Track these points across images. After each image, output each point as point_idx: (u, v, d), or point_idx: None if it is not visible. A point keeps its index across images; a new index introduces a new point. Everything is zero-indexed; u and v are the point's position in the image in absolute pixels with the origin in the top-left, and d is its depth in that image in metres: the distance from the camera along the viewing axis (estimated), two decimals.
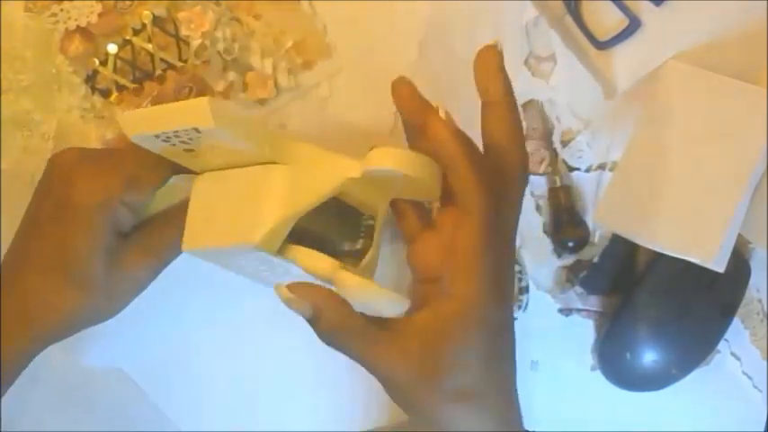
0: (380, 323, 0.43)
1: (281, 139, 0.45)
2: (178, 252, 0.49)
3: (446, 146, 0.43)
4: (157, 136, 0.44)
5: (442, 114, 0.44)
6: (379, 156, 0.44)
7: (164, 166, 0.48)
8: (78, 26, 0.59)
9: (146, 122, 0.44)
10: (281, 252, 0.45)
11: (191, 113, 0.42)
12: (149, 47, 0.60)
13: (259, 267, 0.47)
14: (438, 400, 0.43)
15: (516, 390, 0.46)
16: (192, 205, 0.48)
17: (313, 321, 0.42)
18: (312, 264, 0.45)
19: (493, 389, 0.45)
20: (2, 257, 0.50)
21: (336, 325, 0.42)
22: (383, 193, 0.48)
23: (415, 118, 0.45)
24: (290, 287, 0.42)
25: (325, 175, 0.45)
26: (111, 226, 0.48)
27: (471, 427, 0.44)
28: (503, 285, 0.45)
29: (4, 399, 0.49)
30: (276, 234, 0.44)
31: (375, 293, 0.44)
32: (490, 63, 0.45)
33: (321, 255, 0.45)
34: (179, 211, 0.49)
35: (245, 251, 0.45)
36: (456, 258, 0.43)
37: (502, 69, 0.45)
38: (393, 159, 0.43)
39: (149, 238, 0.50)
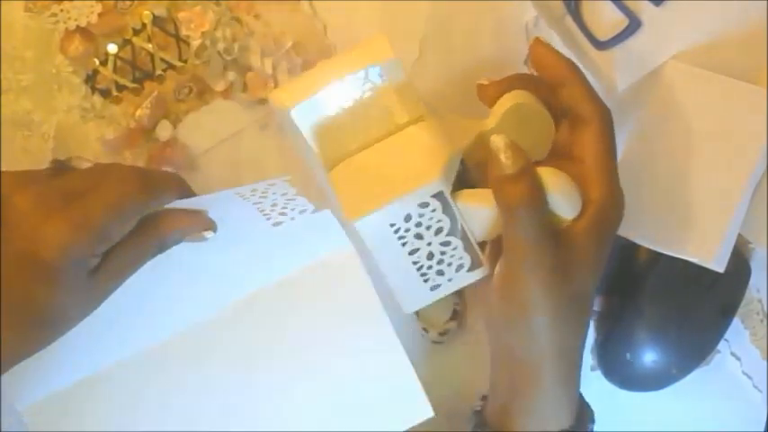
0: None
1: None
2: (144, 262, 0.48)
3: (557, 63, 0.47)
4: (325, 91, 0.46)
5: (542, 39, 0.48)
6: (512, 96, 0.47)
7: (134, 213, 0.46)
8: (78, 26, 0.59)
9: (320, 78, 0.46)
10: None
11: (372, 51, 0.46)
12: (149, 47, 0.60)
13: (414, 241, 0.47)
14: (552, 304, 0.45)
15: None
16: (340, 188, 0.48)
17: (518, 176, 0.44)
18: (484, 197, 0.46)
19: (590, 304, 0.48)
20: None
21: (534, 193, 0.44)
22: None
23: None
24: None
25: (464, 127, 0.48)
26: (82, 275, 0.45)
27: (562, 342, 0.46)
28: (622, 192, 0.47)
29: (4, 399, 0.49)
30: (449, 173, 0.45)
31: (570, 185, 0.45)
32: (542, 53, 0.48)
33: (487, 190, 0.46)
34: (147, 227, 0.47)
35: (419, 205, 0.45)
36: (586, 164, 0.46)
37: (555, 52, 0.48)
38: (524, 96, 0.47)
39: (117, 262, 0.47)
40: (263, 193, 0.47)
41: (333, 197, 0.48)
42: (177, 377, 0.54)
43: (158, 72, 0.60)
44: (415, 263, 0.48)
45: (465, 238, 0.47)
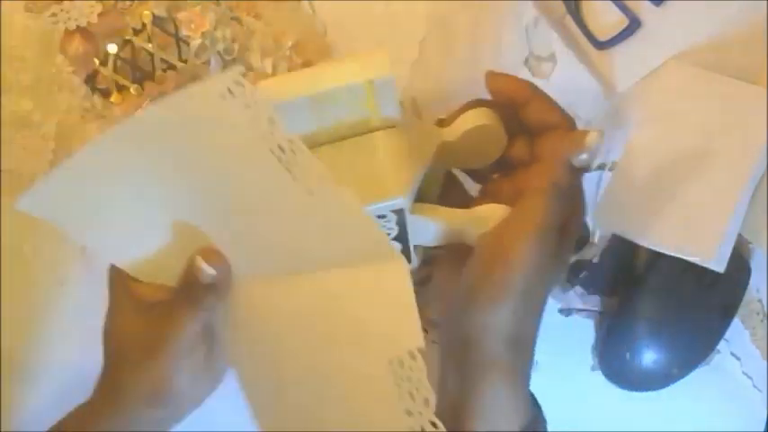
0: None
1: None
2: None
3: (518, 85, 0.48)
4: (316, 98, 0.44)
5: (494, 71, 0.48)
6: (474, 116, 0.47)
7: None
8: (78, 26, 0.59)
9: (306, 83, 0.44)
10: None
11: (369, 66, 0.44)
12: (149, 47, 0.60)
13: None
14: (498, 296, 0.45)
15: None
16: None
17: None
18: (447, 213, 0.46)
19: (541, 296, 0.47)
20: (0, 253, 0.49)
21: None
22: (445, 165, 0.50)
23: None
24: None
25: (427, 133, 0.48)
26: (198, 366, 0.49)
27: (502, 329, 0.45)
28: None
29: (3, 399, 0.49)
30: (413, 190, 0.45)
31: None
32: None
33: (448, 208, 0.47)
34: None
35: (377, 216, 0.45)
36: (546, 160, 0.47)
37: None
38: (487, 116, 0.47)
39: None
40: None
41: None
42: None
43: (158, 72, 0.60)
44: None
45: (406, 244, 0.47)
